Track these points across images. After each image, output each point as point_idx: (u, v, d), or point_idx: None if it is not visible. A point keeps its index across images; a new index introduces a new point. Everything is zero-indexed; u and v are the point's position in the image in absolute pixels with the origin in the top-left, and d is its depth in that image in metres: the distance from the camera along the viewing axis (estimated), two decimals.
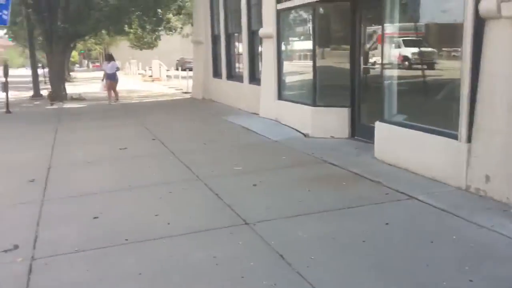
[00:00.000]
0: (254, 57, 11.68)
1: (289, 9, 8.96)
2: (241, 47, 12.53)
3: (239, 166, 6.55)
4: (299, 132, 8.42)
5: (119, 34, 17.90)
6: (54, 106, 15.61)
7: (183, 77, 23.04)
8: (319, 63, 8.13)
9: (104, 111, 14.15)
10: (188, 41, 42.04)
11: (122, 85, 27.09)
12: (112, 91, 16.23)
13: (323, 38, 8.39)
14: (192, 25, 32.78)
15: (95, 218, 4.66)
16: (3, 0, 9.95)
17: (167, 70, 29.59)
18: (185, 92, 19.96)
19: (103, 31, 19.02)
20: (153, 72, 31.94)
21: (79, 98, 17.96)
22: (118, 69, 16.80)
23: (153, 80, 30.36)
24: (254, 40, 11.59)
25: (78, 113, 13.60)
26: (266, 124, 9.55)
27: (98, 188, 5.80)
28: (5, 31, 36.57)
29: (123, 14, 16.09)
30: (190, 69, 31.07)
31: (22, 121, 12.29)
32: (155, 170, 6.54)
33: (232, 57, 13.38)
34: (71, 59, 57.26)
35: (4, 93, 14.31)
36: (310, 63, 8.33)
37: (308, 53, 8.53)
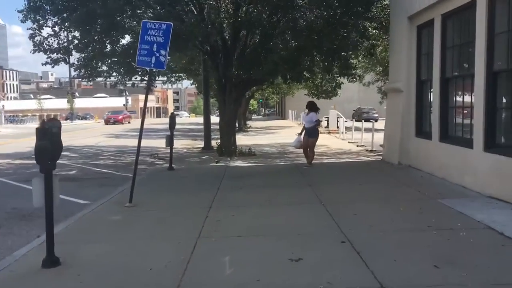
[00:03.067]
0: (495, 112, 7.67)
1: None
2: (469, 97, 8.66)
3: None
4: None
5: (297, 80, 15.24)
6: (220, 164, 13.50)
7: (367, 129, 19.63)
8: None
9: (274, 174, 11.44)
10: (367, 90, 38.94)
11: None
12: (308, 150, 12.47)
13: None
14: (377, 72, 29.59)
15: None
16: (161, 39, 7.85)
17: (345, 121, 26.50)
18: (370, 150, 16.46)
19: (280, 78, 16.67)
20: (329, 123, 29.25)
21: (249, 154, 15.81)
22: (318, 122, 12.57)
23: (329, 132, 27.58)
24: (496, 86, 7.63)
25: (243, 176, 11.09)
26: None
27: None
28: (192, 80, 37.97)
29: (302, 57, 13.44)
30: (368, 120, 27.96)
31: (178, 185, 10.18)
32: None
33: (451, 110, 9.50)
34: (250, 107, 58.75)
35: (170, 147, 12.66)
36: None
37: None
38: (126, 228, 6.60)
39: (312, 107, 12.22)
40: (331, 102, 37.51)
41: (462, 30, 8.93)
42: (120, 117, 55.93)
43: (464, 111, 8.97)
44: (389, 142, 12.35)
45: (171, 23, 8.18)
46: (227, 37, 15.19)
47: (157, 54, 8.06)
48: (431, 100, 10.16)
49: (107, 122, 53.92)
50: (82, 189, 10.68)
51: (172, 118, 12.44)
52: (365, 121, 24.62)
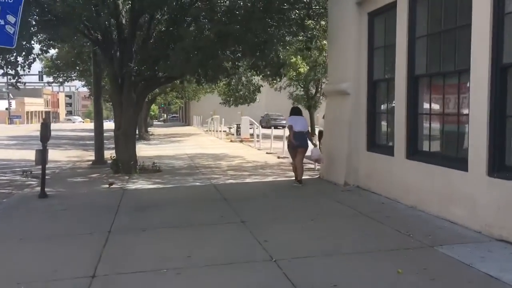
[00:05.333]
0: (504, 121, 5.57)
1: None
2: (454, 100, 6.57)
3: None
4: None
5: (214, 77, 12.35)
6: (115, 186, 10.26)
7: (278, 138, 17.49)
8: None
9: (190, 203, 8.47)
10: (275, 96, 37.39)
11: (208, 147, 22.04)
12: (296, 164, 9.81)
13: None
14: (289, 76, 27.73)
15: None
16: None
17: (253, 128, 24.28)
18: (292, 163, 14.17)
19: (192, 77, 13.68)
20: (242, 131, 26.86)
21: (153, 170, 12.71)
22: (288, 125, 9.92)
23: (241, 141, 25.16)
24: (506, 85, 5.54)
25: (147, 206, 8.05)
26: None
27: None
28: (83, 81, 32.71)
29: (222, 47, 10.58)
30: (275, 127, 26.36)
31: (46, 227, 6.88)
32: None
33: (423, 118, 7.37)
34: (151, 112, 54.44)
35: (42, 166, 9.19)
36: None
37: None
38: None
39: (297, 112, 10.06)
40: (238, 109, 35.13)
41: (443, 13, 6.83)
42: None
43: (447, 120, 6.85)
44: (330, 157, 10.03)
45: None
46: (124, 22, 11.99)
47: (2, 22, 4.85)
48: (392, 105, 8.01)
49: None
50: None
51: (45, 126, 8.95)
52: (274, 128, 22.74)
